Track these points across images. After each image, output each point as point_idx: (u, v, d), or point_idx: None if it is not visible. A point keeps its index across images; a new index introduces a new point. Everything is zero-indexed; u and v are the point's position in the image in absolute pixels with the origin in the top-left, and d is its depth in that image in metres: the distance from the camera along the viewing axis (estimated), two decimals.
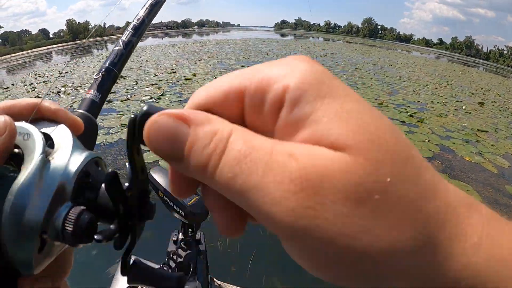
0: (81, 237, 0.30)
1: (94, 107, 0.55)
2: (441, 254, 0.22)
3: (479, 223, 0.23)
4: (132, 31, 0.62)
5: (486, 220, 0.23)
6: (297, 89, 0.24)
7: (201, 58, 18.01)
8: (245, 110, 0.27)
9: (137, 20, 0.64)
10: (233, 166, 0.23)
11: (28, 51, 78.59)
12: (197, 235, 1.06)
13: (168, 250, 1.01)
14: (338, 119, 0.23)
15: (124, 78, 12.47)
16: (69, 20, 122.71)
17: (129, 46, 0.62)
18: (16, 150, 0.32)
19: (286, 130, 0.25)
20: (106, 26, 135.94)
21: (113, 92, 9.99)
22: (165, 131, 0.26)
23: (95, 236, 0.31)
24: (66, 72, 17.38)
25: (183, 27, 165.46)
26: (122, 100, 8.84)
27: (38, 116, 0.38)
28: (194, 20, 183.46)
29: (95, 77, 0.58)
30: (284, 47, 28.46)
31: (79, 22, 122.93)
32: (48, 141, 0.34)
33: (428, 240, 0.21)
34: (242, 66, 14.48)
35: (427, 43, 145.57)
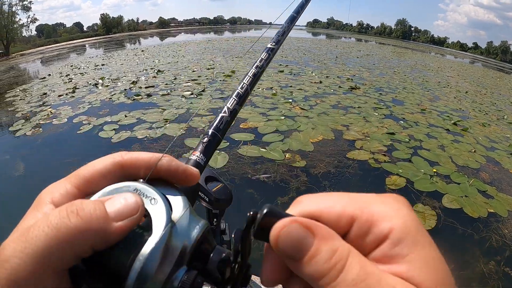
0: None
1: (200, 168, 0.51)
2: None
3: None
4: (236, 99, 0.63)
5: None
6: (401, 233, 0.30)
7: (237, 55, 17.85)
8: (350, 232, 0.33)
9: (241, 89, 0.65)
10: (350, 286, 0.28)
11: (63, 44, 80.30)
12: (221, 225, 1.05)
13: None
14: (426, 266, 0.29)
15: (162, 73, 12.33)
16: (103, 14, 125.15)
17: (233, 114, 0.62)
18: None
19: (383, 259, 0.31)
20: (139, 21, 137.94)
21: (152, 86, 9.83)
22: (294, 238, 0.31)
23: None
24: (103, 65, 17.45)
25: (215, 24, 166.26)
26: (163, 95, 8.62)
27: (156, 175, 0.40)
28: (226, 17, 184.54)
29: (203, 141, 0.55)
30: (319, 47, 28.05)
31: (112, 17, 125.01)
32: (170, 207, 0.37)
33: None
34: (280, 65, 14.20)
35: (461, 46, 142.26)
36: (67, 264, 0.30)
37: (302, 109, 7.24)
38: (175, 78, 10.91)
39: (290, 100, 7.84)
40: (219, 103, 7.57)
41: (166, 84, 10.05)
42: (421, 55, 34.31)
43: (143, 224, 0.35)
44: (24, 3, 74.97)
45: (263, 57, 0.74)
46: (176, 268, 0.33)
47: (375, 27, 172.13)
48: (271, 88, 9.17)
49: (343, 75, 12.19)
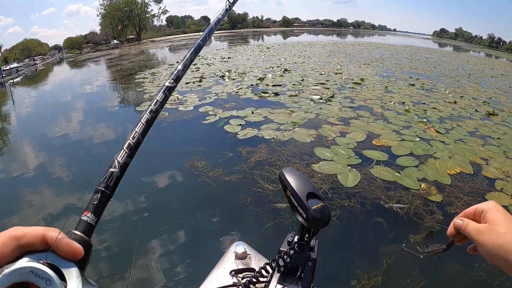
0: None
1: (91, 230, 0.52)
2: None
3: None
4: (127, 151, 0.61)
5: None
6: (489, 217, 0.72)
7: (365, 62, 17.32)
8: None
9: (132, 139, 0.63)
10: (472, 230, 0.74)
11: (190, 34, 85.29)
12: (312, 241, 0.98)
13: (280, 248, 0.97)
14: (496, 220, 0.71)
15: (289, 72, 12.33)
16: None
17: (124, 168, 0.59)
18: None
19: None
20: (263, 19, 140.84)
21: (279, 85, 9.83)
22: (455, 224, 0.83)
23: None
24: (229, 58, 17.97)
25: (338, 26, 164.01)
26: (291, 96, 8.57)
27: (46, 247, 0.43)
28: (349, 20, 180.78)
29: (93, 200, 0.53)
30: (449, 61, 26.15)
31: (238, 13, 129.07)
32: (63, 280, 0.41)
33: None
34: (411, 77, 13.44)
35: None
36: None
37: (438, 132, 6.68)
38: (303, 79, 10.85)
39: (425, 120, 7.29)
40: (349, 113, 7.32)
41: (294, 84, 10.03)
42: None
43: None
44: None
45: (158, 99, 0.73)
46: None
47: (507, 42, 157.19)
48: (403, 103, 8.65)
49: (478, 97, 11.12)
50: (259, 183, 4.41)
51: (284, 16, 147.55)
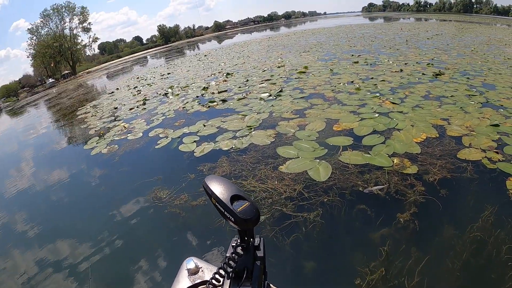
0: None
1: None
2: None
3: None
4: None
5: None
6: None
7: (304, 50, 17.29)
8: None
9: None
10: None
11: (125, 57, 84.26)
12: (256, 240, 0.97)
13: (226, 255, 0.92)
14: None
15: (231, 76, 12.07)
16: (159, 25, 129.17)
17: None
18: None
19: None
20: (195, 27, 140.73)
21: (225, 91, 9.55)
22: None
23: None
24: (168, 74, 17.55)
25: (270, 21, 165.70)
26: (239, 99, 8.27)
27: None
28: (280, 13, 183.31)
29: None
30: (383, 32, 26.78)
31: (169, 26, 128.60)
32: None
33: None
34: (352, 55, 13.52)
35: None
36: None
37: (393, 103, 6.59)
38: (247, 80, 10.60)
39: (378, 94, 7.19)
40: (302, 103, 7.09)
41: (239, 87, 9.74)
42: (490, 29, 31.54)
43: None
44: (84, 25, 79.45)
45: None
46: None
47: (433, 4, 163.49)
48: (352, 82, 8.57)
49: (421, 60, 11.28)
50: None
51: (216, 21, 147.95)
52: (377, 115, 5.98)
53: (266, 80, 10.11)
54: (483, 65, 10.47)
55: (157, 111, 8.89)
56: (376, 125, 5.55)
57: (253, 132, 5.92)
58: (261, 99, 7.97)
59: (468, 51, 13.89)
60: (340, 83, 8.44)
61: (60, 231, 4.50)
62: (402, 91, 7.39)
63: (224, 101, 8.37)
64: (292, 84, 9.12)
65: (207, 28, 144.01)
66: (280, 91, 8.45)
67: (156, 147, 6.39)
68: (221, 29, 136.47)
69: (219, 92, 9.45)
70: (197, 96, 9.68)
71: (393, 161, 4.38)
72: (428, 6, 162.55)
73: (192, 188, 4.57)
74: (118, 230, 4.26)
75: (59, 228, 4.63)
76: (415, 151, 4.62)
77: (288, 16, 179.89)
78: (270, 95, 8.13)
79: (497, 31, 28.23)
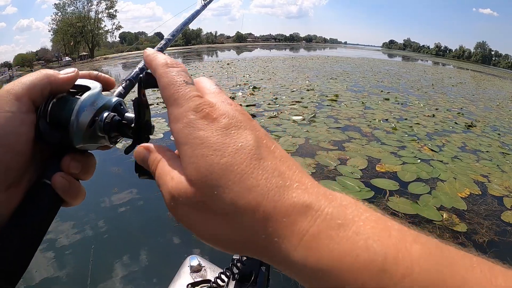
0: (114, 127, 0.50)
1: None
2: (259, 248, 0.33)
3: (304, 228, 0.31)
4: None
5: (316, 226, 0.30)
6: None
7: (331, 76, 17.15)
8: None
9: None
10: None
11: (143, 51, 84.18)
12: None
13: (233, 257, 0.95)
14: (190, 162, 0.36)
15: (258, 90, 11.85)
16: None
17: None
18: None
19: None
20: (217, 34, 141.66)
21: (254, 105, 9.31)
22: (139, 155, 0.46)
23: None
24: (191, 75, 17.38)
25: (291, 41, 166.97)
26: (270, 117, 8.02)
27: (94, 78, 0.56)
28: (302, 35, 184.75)
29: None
30: (407, 71, 26.73)
31: (192, 29, 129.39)
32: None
33: (249, 239, 0.33)
34: (382, 91, 13.34)
35: None
36: (37, 96, 0.47)
37: (432, 150, 6.38)
38: (276, 98, 10.34)
39: (415, 138, 6.98)
40: (339, 135, 6.86)
41: (269, 104, 9.48)
42: (507, 83, 31.80)
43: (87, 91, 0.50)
44: (110, 11, 79.94)
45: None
46: (101, 111, 0.50)
47: (453, 50, 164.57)
48: (387, 120, 8.35)
49: (451, 108, 11.12)
50: None
51: (238, 32, 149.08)
52: (419, 161, 5.75)
53: (296, 101, 9.87)
54: (511, 122, 10.31)
55: None
56: (419, 172, 5.31)
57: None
58: (294, 121, 7.72)
59: (494, 105, 13.76)
60: (375, 119, 8.23)
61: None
62: (439, 139, 7.19)
63: (253, 116, 8.12)
64: (325, 111, 8.89)
65: (228, 37, 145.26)
66: (314, 116, 8.21)
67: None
68: (242, 41, 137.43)
69: (247, 106, 9.21)
70: None
71: (442, 216, 4.16)
72: (448, 52, 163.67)
73: None
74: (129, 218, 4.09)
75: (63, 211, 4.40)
76: (462, 207, 4.42)
77: (309, 39, 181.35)
78: (304, 119, 7.89)
79: None
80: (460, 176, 5.38)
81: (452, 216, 4.19)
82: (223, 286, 0.93)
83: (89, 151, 0.53)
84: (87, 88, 0.51)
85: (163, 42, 0.74)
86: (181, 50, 69.41)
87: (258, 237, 0.32)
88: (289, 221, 0.31)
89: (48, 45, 77.48)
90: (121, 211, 4.43)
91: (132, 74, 0.63)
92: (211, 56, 41.37)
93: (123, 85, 0.61)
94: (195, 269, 1.40)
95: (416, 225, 3.88)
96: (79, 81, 0.52)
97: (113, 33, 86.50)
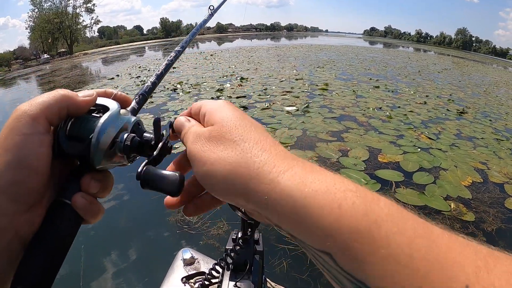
0: (134, 148, 0.50)
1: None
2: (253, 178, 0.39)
3: (290, 163, 0.40)
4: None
5: (297, 166, 0.40)
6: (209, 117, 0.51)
7: (318, 65, 17.07)
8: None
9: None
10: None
11: (124, 45, 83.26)
12: (255, 235, 1.02)
13: (226, 247, 0.96)
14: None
15: (246, 81, 11.65)
16: (162, 18, 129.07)
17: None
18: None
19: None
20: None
21: (244, 97, 9.11)
22: (178, 122, 0.56)
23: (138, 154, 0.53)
24: (174, 68, 17.05)
25: (272, 30, 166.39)
26: (263, 109, 7.84)
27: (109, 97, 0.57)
28: (283, 24, 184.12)
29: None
30: (393, 58, 26.78)
31: (172, 21, 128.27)
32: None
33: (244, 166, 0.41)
34: (371, 79, 13.30)
35: None
36: (54, 118, 0.48)
37: (430, 138, 6.33)
38: (266, 89, 10.15)
39: (411, 126, 6.92)
40: (336, 125, 6.72)
41: (259, 95, 9.29)
42: (487, 68, 31.99)
43: (105, 111, 0.51)
44: (88, 5, 78.70)
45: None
46: (121, 132, 0.50)
47: (434, 37, 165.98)
48: (381, 108, 8.28)
49: (440, 95, 11.11)
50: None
51: (218, 23, 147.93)
52: (419, 150, 5.69)
53: (287, 91, 9.71)
54: (500, 108, 10.41)
55: (167, 107, 8.30)
56: (421, 161, 5.25)
57: (291, 152, 5.50)
58: (288, 112, 7.55)
59: (481, 91, 13.92)
60: (369, 108, 8.14)
61: None
62: (434, 126, 7.17)
63: (245, 108, 7.92)
64: (317, 100, 8.76)
65: (208, 28, 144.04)
66: (307, 106, 8.05)
67: (172, 151, 5.87)
68: (222, 32, 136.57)
69: (237, 97, 9.00)
70: (212, 98, 9.19)
71: (450, 206, 4.11)
72: (429, 38, 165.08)
73: (230, 212, 4.13)
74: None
75: None
76: (467, 196, 4.40)
77: (290, 28, 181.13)
78: (298, 110, 7.73)
79: (503, 73, 28.56)
80: (460, 164, 5.34)
81: (459, 205, 4.14)
82: (218, 277, 0.94)
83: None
84: (105, 108, 0.52)
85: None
86: (162, 43, 68.66)
87: (252, 161, 0.40)
88: (279, 157, 0.41)
89: (26, 43, 76.12)
90: (109, 207, 4.28)
91: (144, 88, 0.68)
92: (192, 48, 40.76)
93: (136, 99, 0.64)
94: (188, 262, 1.44)
95: (427, 216, 3.78)
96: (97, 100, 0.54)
97: (91, 28, 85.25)
